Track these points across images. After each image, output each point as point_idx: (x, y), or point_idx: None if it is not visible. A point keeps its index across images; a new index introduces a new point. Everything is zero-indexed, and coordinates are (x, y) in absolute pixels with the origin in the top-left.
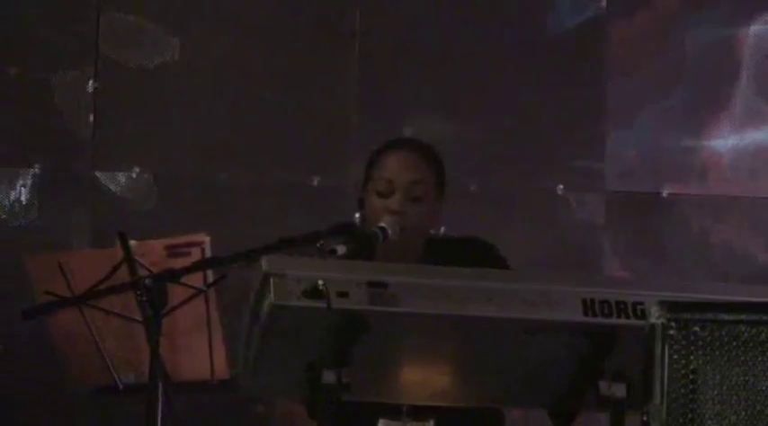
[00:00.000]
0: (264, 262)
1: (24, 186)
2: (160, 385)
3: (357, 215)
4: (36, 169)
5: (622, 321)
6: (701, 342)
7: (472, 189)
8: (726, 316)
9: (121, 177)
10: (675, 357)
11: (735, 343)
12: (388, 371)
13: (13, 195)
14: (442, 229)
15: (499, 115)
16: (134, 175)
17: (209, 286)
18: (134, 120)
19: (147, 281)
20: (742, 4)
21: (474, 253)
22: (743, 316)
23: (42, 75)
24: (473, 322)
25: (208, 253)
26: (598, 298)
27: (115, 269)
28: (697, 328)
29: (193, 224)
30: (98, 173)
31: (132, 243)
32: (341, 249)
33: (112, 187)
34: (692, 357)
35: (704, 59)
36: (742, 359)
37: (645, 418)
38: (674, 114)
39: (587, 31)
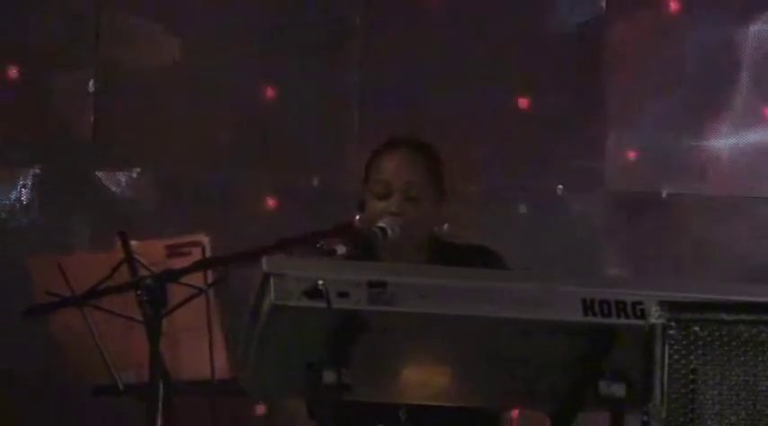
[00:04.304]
0: (264, 262)
1: (24, 186)
2: (160, 385)
3: (357, 217)
4: (36, 169)
5: (622, 321)
6: (700, 342)
7: (472, 189)
8: (726, 316)
9: (121, 177)
10: (675, 357)
11: (735, 343)
12: (388, 371)
13: (13, 195)
14: (446, 226)
15: (499, 115)
16: (134, 175)
17: (209, 286)
18: (134, 120)
19: (147, 281)
20: (742, 4)
21: (481, 263)
22: (743, 316)
23: (42, 75)
24: (473, 322)
25: (208, 253)
26: (598, 298)
27: (115, 269)
28: (697, 328)
29: (193, 224)
30: (98, 173)
31: (132, 243)
32: (341, 249)
33: (112, 187)
34: (692, 357)
35: (704, 59)
36: (742, 359)
37: (645, 418)
38: (674, 114)
39: (587, 31)
